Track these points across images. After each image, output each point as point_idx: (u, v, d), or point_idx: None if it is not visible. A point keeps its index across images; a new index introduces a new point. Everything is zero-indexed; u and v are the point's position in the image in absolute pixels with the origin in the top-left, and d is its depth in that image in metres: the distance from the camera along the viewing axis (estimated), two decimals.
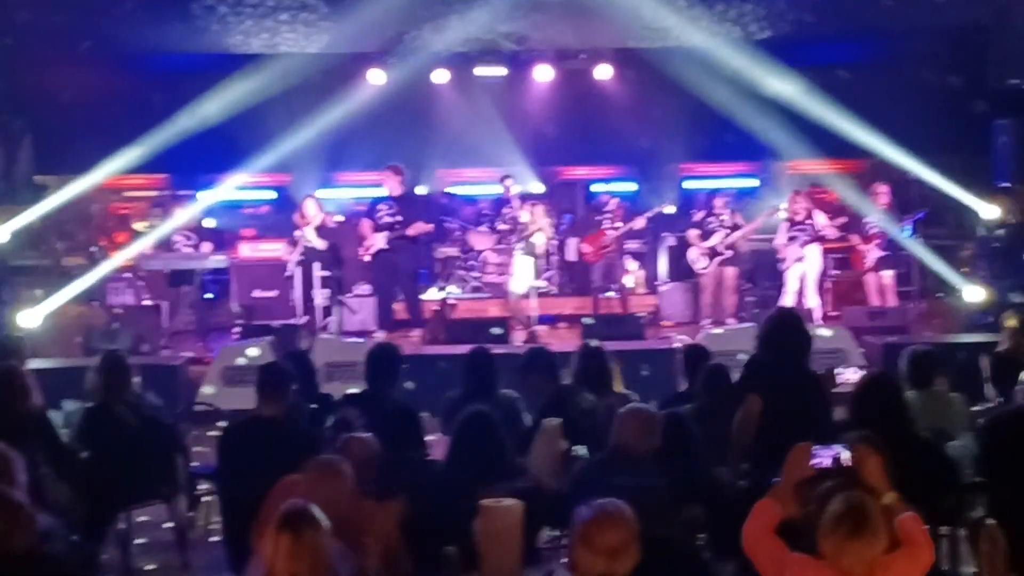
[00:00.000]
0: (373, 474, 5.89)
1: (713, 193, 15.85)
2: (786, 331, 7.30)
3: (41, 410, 7.62)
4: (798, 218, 15.16)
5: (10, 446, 5.70)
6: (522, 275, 14.57)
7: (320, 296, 14.57)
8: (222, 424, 8.34)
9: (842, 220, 15.61)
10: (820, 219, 15.17)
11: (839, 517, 4.53)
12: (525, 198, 16.04)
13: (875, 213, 15.12)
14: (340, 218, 15.66)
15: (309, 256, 14.65)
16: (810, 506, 4.90)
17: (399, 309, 15.14)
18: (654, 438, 6.20)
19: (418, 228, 14.66)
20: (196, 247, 15.08)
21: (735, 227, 15.27)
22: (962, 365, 8.97)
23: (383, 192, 14.99)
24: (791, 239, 15.14)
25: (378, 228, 14.65)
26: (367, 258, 14.89)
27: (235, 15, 14.63)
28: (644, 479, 5.94)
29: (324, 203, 15.51)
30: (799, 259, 15.11)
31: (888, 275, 15.24)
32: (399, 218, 14.57)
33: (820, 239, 15.12)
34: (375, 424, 6.63)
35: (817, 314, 14.77)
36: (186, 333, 14.97)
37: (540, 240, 14.72)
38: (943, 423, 7.30)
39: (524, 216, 15.16)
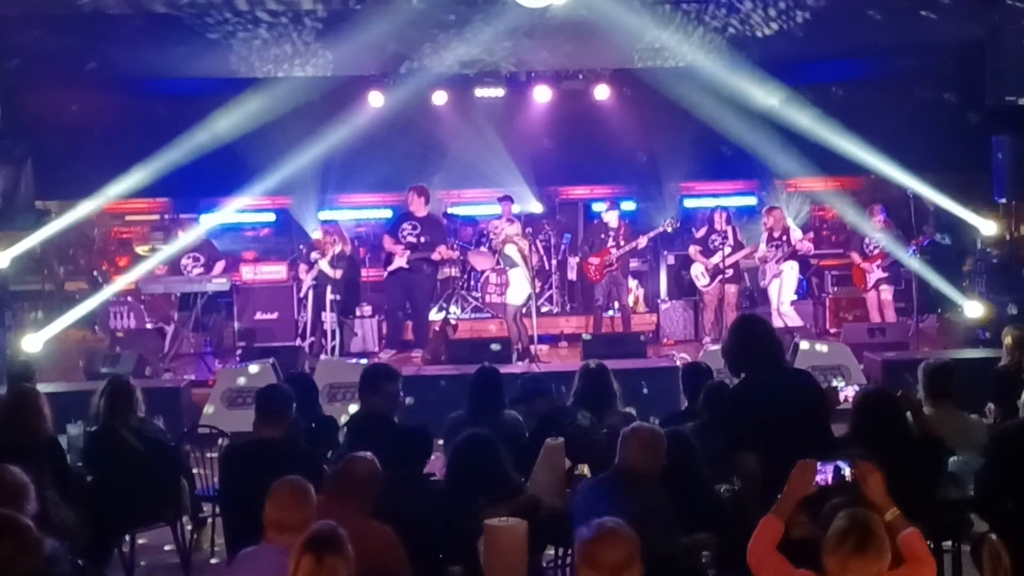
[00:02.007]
0: (376, 493, 5.90)
1: (714, 211, 15.92)
2: (754, 337, 6.69)
3: (52, 433, 7.67)
4: (775, 234, 15.24)
5: (18, 466, 5.73)
6: (518, 287, 14.58)
7: (329, 319, 14.63)
8: (223, 446, 8.36)
9: (810, 235, 15.69)
10: (796, 235, 15.26)
11: (843, 533, 4.55)
12: (509, 219, 16.14)
13: (875, 233, 15.18)
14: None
15: (322, 280, 14.74)
16: (819, 525, 4.92)
17: (405, 329, 15.26)
18: (659, 458, 6.18)
19: (443, 253, 14.85)
20: (205, 268, 15.14)
21: (737, 244, 15.33)
22: (962, 381, 8.95)
23: (384, 212, 15.04)
24: (769, 254, 15.24)
25: (400, 246, 14.79)
26: (385, 275, 15.06)
27: (235, 39, 14.67)
28: (648, 498, 5.95)
29: (338, 227, 15.61)
30: (776, 275, 15.21)
31: (887, 291, 15.31)
32: (422, 239, 14.73)
33: (796, 255, 15.20)
34: (380, 444, 6.64)
35: (798, 327, 14.76)
36: (188, 356, 15.00)
37: (512, 251, 14.70)
38: (956, 440, 7.26)
39: (495, 228, 15.26)
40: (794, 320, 15.09)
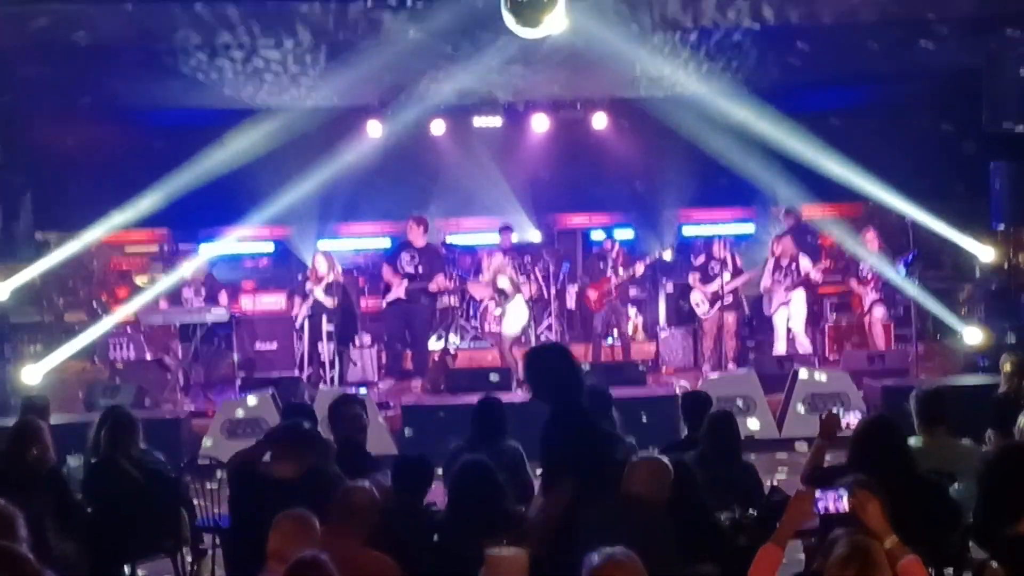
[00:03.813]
0: (374, 523, 5.90)
1: (713, 238, 15.94)
2: (553, 366, 6.76)
3: (53, 464, 7.67)
4: (783, 262, 15.26)
5: (18, 497, 5.72)
6: (515, 316, 14.64)
7: (326, 350, 14.62)
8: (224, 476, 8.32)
9: (825, 264, 15.72)
10: (805, 263, 15.27)
11: (845, 561, 4.54)
12: (489, 251, 16.18)
13: (869, 257, 15.20)
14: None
15: (317, 310, 14.75)
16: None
17: (404, 359, 15.28)
18: (666, 488, 6.17)
19: (440, 284, 14.90)
20: (207, 300, 15.10)
21: (735, 271, 15.35)
22: (962, 408, 8.95)
23: (383, 242, 15.07)
24: (775, 283, 15.25)
25: (398, 276, 14.85)
26: (383, 305, 15.10)
27: (233, 70, 14.71)
28: (653, 526, 5.94)
29: (334, 255, 15.60)
30: (784, 303, 15.22)
31: (880, 311, 15.32)
32: (421, 269, 14.80)
33: (806, 284, 15.21)
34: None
35: (811, 357, 14.79)
36: (188, 387, 14.99)
37: (504, 283, 14.79)
38: (952, 467, 7.25)
39: (484, 264, 15.37)
40: (806, 348, 15.11)
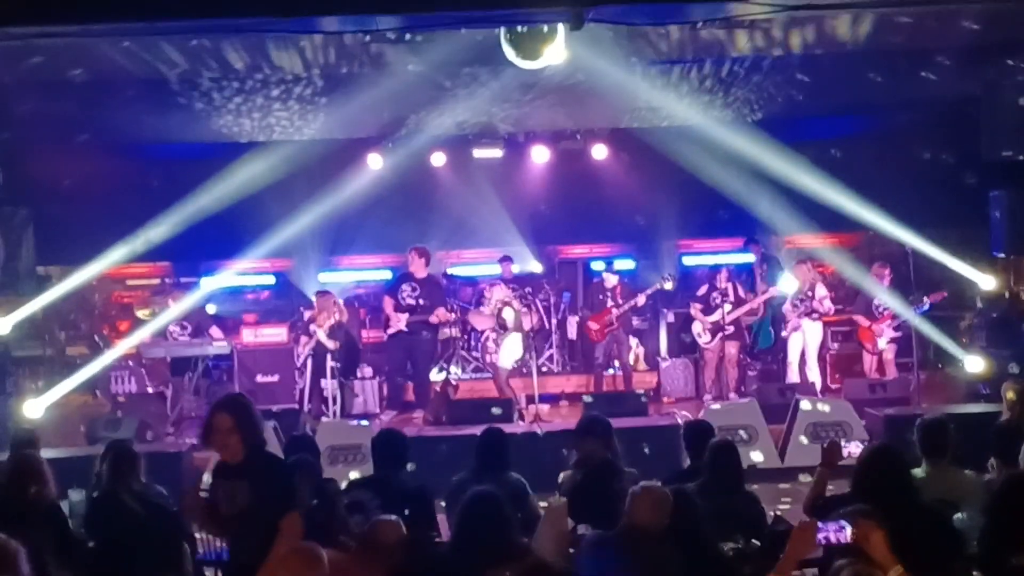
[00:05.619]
0: (401, 558, 5.90)
1: (715, 268, 15.94)
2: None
3: (54, 499, 7.66)
4: (804, 288, 15.24)
5: (18, 532, 5.70)
6: (508, 350, 14.68)
7: (329, 386, 14.61)
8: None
9: (832, 295, 15.69)
10: (820, 292, 15.24)
11: None
12: (492, 282, 16.20)
13: (881, 294, 15.13)
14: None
15: (320, 348, 14.74)
16: None
17: (406, 390, 15.28)
18: (666, 516, 6.19)
19: (440, 317, 14.90)
20: (191, 336, 15.09)
21: (737, 301, 15.33)
22: (964, 436, 8.93)
23: (384, 273, 15.06)
24: (792, 307, 15.24)
25: (399, 308, 14.85)
26: (385, 337, 15.19)
27: (234, 104, 14.77)
28: (655, 556, 5.94)
29: (335, 295, 15.56)
30: (796, 329, 15.20)
31: (890, 349, 15.26)
32: (422, 301, 14.79)
33: (816, 313, 15.17)
34: (387, 507, 6.64)
35: (818, 386, 14.78)
36: (190, 420, 14.97)
37: (509, 315, 14.83)
38: (955, 497, 7.23)
39: (487, 294, 15.43)
40: (814, 378, 15.06)
